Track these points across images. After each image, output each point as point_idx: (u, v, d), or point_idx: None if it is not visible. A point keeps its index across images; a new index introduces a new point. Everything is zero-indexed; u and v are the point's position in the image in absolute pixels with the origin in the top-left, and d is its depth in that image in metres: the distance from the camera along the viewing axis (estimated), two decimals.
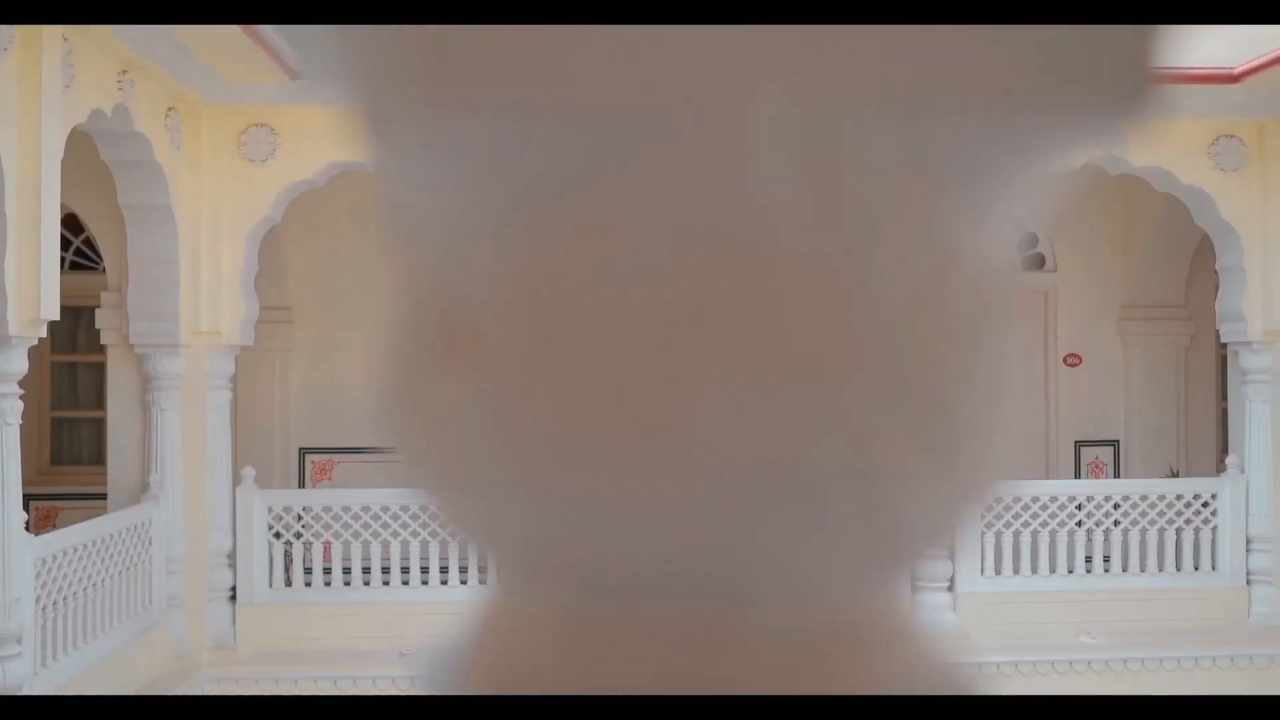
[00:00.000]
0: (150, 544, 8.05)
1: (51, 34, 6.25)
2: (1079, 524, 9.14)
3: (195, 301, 8.41)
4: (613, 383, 0.45)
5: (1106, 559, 9.38)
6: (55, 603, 6.76)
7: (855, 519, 0.45)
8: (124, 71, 7.18)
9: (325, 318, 11.41)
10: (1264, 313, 9.09)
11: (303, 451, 11.27)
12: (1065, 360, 11.85)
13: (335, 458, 11.27)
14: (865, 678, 0.49)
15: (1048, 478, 11.60)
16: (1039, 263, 11.91)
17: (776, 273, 0.45)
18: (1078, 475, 11.74)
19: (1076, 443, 11.81)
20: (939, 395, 0.46)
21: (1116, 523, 9.19)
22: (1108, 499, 9.19)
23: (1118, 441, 11.76)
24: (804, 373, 0.45)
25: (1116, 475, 11.70)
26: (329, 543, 9.02)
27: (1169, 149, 9.01)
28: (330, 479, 11.27)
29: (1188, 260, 11.54)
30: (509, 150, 0.45)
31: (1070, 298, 11.84)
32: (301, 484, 11.22)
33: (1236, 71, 8.39)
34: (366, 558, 8.96)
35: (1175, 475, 9.93)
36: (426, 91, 0.46)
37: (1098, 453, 11.79)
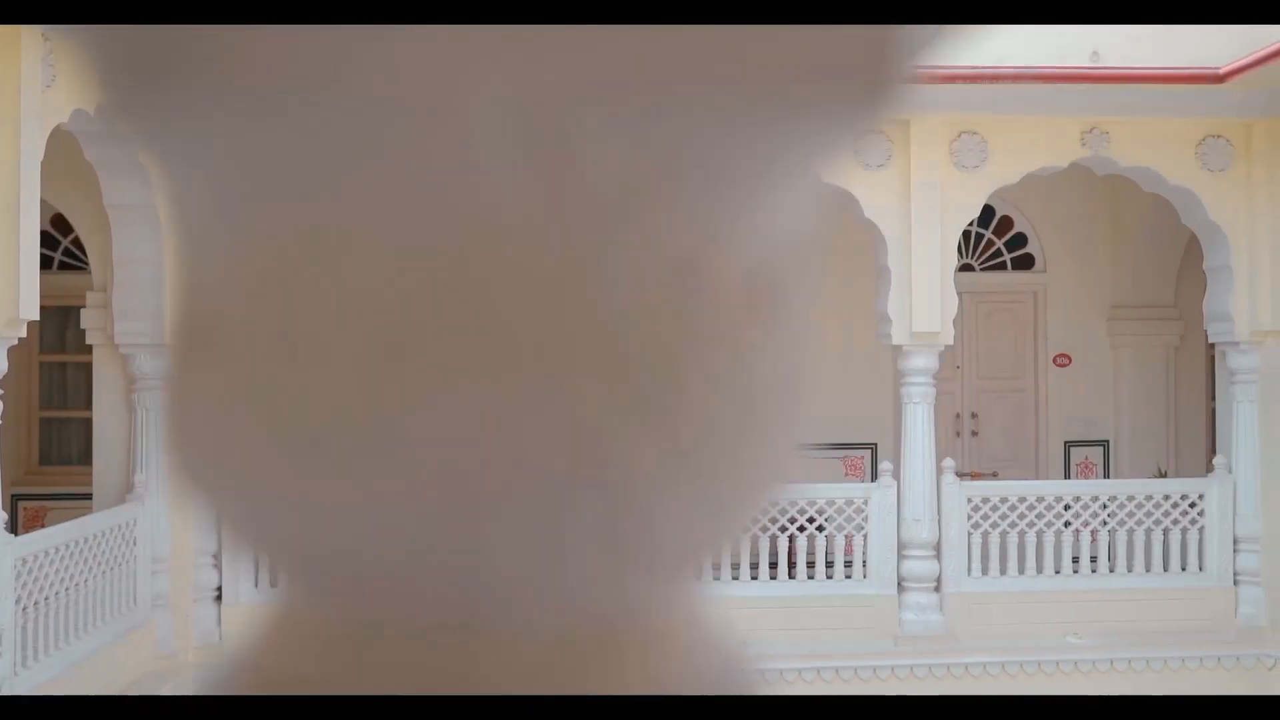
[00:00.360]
0: (135, 544, 8.04)
1: (31, 34, 6.25)
2: (1066, 524, 9.13)
3: None
4: (344, 383, 0.44)
5: (1094, 559, 9.38)
6: (36, 602, 6.75)
7: (593, 521, 0.45)
8: None
9: None
10: (1251, 313, 9.08)
11: None
12: (1055, 360, 11.85)
13: None
14: (623, 678, 0.49)
15: (1037, 478, 11.62)
16: (1029, 263, 11.92)
17: (510, 273, 0.44)
18: (1067, 475, 11.74)
19: (1066, 443, 11.81)
20: (680, 397, 0.46)
21: (1104, 523, 9.18)
22: (1095, 499, 9.18)
23: (1108, 442, 11.76)
24: (538, 373, 0.44)
25: (1106, 475, 11.71)
26: None
27: (1156, 149, 9.00)
28: None
29: (1177, 260, 11.54)
30: (247, 147, 0.45)
31: (1060, 298, 11.85)
32: None
33: (1222, 72, 8.38)
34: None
35: (1163, 475, 9.93)
36: (165, 89, 0.45)
37: (1087, 453, 11.79)
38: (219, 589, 8.68)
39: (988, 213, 11.78)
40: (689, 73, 0.45)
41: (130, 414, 8.39)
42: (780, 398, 0.51)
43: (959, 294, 11.65)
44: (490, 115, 0.43)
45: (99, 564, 7.58)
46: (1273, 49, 7.91)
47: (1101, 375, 11.85)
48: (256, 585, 8.74)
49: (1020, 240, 11.89)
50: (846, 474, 11.36)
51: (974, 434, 11.86)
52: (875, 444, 11.25)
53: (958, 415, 11.89)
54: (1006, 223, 11.86)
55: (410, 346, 0.44)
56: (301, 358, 0.45)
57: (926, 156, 8.85)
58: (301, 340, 0.45)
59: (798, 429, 0.54)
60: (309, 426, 0.45)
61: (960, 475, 11.28)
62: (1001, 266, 11.88)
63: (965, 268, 11.79)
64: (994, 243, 11.86)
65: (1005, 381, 11.95)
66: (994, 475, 11.39)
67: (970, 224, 11.70)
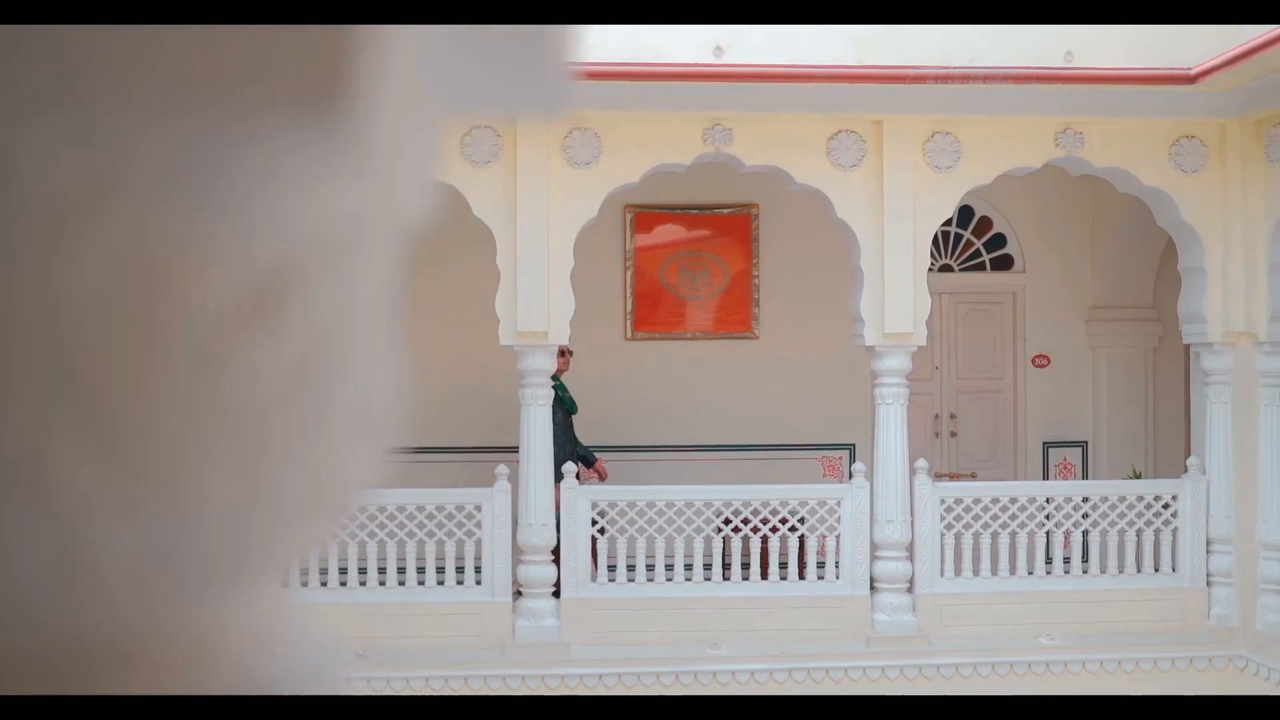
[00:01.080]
0: None
1: None
2: (1045, 525, 9.12)
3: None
4: None
5: (1067, 560, 9.37)
6: None
7: (34, 540, 0.44)
8: None
9: None
10: (1224, 314, 9.08)
11: None
12: (1034, 361, 11.85)
13: None
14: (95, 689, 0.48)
15: (1016, 479, 11.61)
16: (1007, 264, 11.91)
17: None
18: (1046, 476, 11.74)
19: (1045, 444, 11.81)
20: (136, 413, 0.45)
21: (1076, 524, 9.18)
22: (1068, 500, 9.17)
23: (1086, 443, 11.76)
24: None
25: (1085, 476, 11.71)
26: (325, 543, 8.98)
27: (1130, 150, 8.99)
28: None
29: (1156, 261, 11.54)
30: None
31: (1038, 298, 11.84)
32: None
33: (1194, 72, 8.37)
34: (343, 558, 8.94)
35: (1138, 477, 9.92)
36: None
37: (1066, 454, 11.79)
38: None
39: (966, 213, 11.79)
40: (141, 75, 0.44)
41: None
42: (304, 405, 0.50)
43: (938, 294, 11.68)
44: None
45: None
46: (1243, 49, 7.90)
47: (1080, 376, 11.85)
48: None
49: (999, 241, 11.88)
50: (825, 474, 11.35)
51: (953, 434, 11.85)
52: (854, 444, 11.23)
53: (936, 416, 11.88)
54: (985, 223, 11.85)
55: None
56: None
57: (899, 157, 8.83)
58: None
59: (353, 432, 0.53)
60: None
61: (939, 476, 11.30)
62: (980, 267, 11.87)
63: (944, 268, 11.80)
64: (973, 243, 11.85)
65: (984, 382, 11.95)
66: (973, 476, 11.38)
67: (949, 224, 11.72)
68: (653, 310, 11.41)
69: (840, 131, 8.85)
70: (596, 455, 9.69)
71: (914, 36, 8.40)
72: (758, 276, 11.49)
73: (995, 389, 11.91)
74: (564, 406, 9.49)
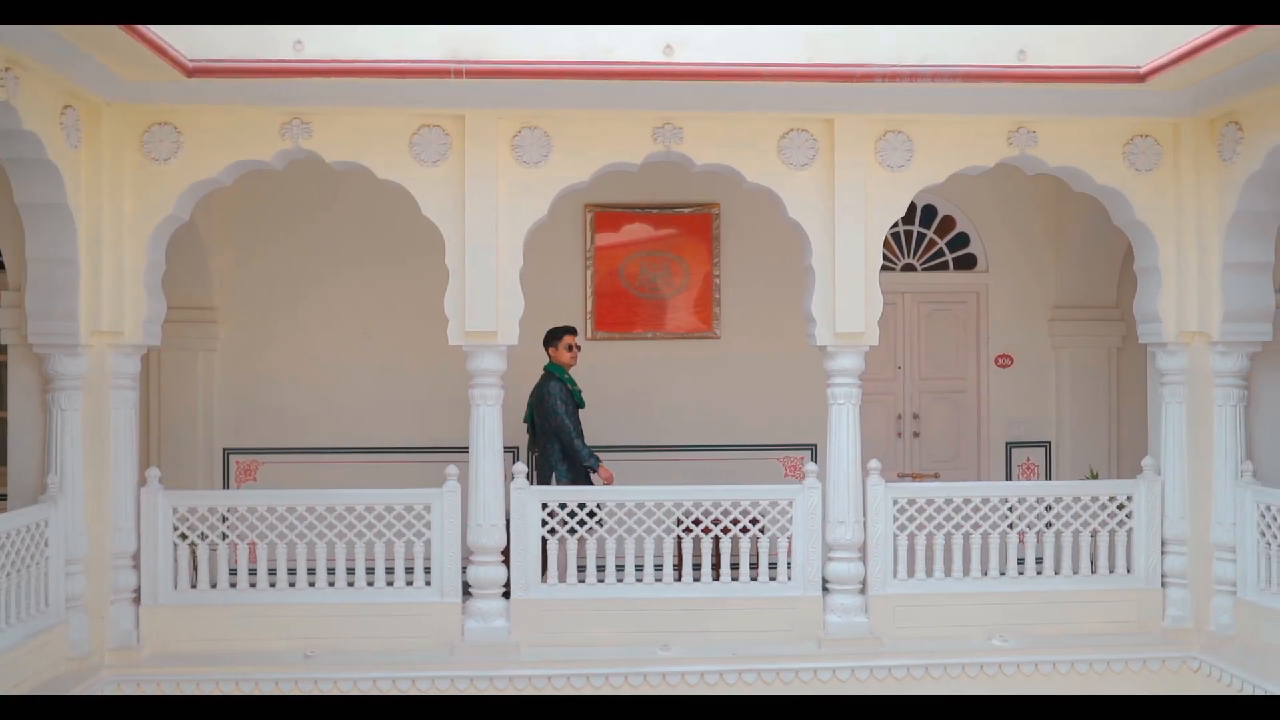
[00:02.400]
0: (46, 545, 7.98)
1: None
2: (1011, 525, 9.07)
3: (96, 301, 8.34)
4: None
5: (1021, 561, 9.33)
6: None
7: None
8: (6, 69, 7.12)
9: (250, 318, 11.36)
10: (1178, 314, 9.03)
11: (227, 452, 11.21)
12: (996, 361, 11.81)
13: (260, 458, 11.21)
14: None
15: (979, 479, 11.59)
16: (970, 263, 11.86)
17: None
18: (1009, 477, 11.70)
19: (1008, 444, 11.77)
20: None
21: (1030, 525, 9.13)
22: (1021, 501, 9.13)
23: (1049, 443, 11.72)
24: None
25: (1048, 477, 11.67)
26: (254, 544, 8.98)
27: (1084, 149, 8.94)
28: (255, 479, 11.21)
29: (1119, 261, 11.50)
30: None
31: (1002, 298, 11.81)
32: (226, 485, 11.17)
33: (1143, 71, 8.32)
34: (293, 559, 8.91)
35: (1095, 477, 9.86)
36: None
37: (1029, 454, 11.75)
38: (137, 590, 8.63)
39: (929, 212, 11.77)
40: None
41: (44, 414, 8.33)
42: None
43: (900, 294, 11.68)
44: None
45: (7, 565, 7.53)
46: (1186, 48, 7.86)
47: (1043, 376, 11.81)
48: (176, 586, 8.69)
49: (962, 240, 11.83)
50: (786, 474, 11.31)
51: (916, 435, 11.81)
52: (815, 445, 11.21)
53: (899, 416, 11.84)
54: (949, 223, 11.81)
55: None
56: None
57: (851, 156, 8.77)
58: None
59: None
60: None
61: (901, 476, 11.28)
62: (943, 267, 11.83)
63: (907, 268, 11.76)
64: (936, 242, 11.81)
65: (947, 382, 11.91)
66: (935, 476, 11.35)
67: (911, 223, 11.69)
68: (613, 310, 11.37)
69: (791, 130, 8.80)
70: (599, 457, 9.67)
71: (866, 35, 8.35)
72: (719, 276, 11.45)
73: (958, 389, 11.87)
74: (575, 401, 9.53)
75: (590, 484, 9.50)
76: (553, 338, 9.75)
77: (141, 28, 7.33)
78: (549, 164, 8.72)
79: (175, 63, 7.83)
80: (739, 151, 8.79)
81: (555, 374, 9.63)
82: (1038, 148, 8.91)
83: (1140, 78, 8.35)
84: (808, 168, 8.80)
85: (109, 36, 7.32)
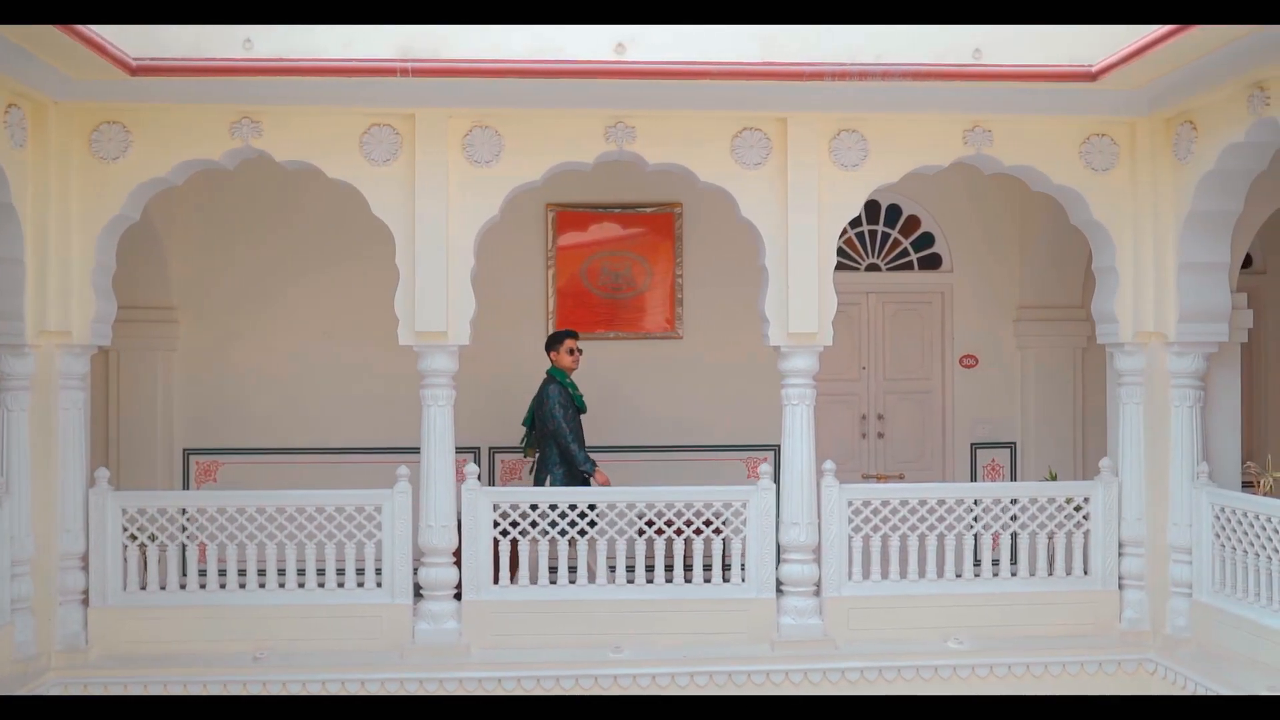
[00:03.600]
0: None
1: None
2: (952, 528, 9.02)
3: (43, 301, 8.30)
4: None
5: (978, 563, 9.28)
6: None
7: None
8: None
9: (210, 318, 11.32)
10: (1135, 314, 8.99)
11: (187, 453, 11.16)
12: (961, 361, 11.76)
13: (221, 459, 11.16)
14: None
15: (944, 480, 11.53)
16: (935, 263, 11.81)
17: None
18: (974, 477, 11.65)
19: (973, 445, 11.71)
20: None
21: (986, 527, 9.08)
22: (978, 503, 9.07)
23: (1015, 444, 11.66)
24: None
25: (1013, 477, 11.61)
26: (204, 545, 8.94)
27: (1040, 148, 8.89)
28: (215, 480, 11.16)
29: (1084, 261, 11.43)
30: None
31: (967, 298, 11.75)
32: (186, 486, 11.12)
33: (1095, 69, 8.27)
34: (244, 560, 8.86)
35: (1054, 479, 9.80)
36: None
37: (994, 455, 11.70)
38: (86, 592, 8.58)
39: (894, 212, 11.72)
40: None
41: None
42: None
43: (865, 294, 11.63)
44: None
45: None
46: (1136, 46, 7.80)
47: (1008, 376, 11.76)
48: (125, 588, 8.65)
49: (927, 240, 11.78)
50: (749, 476, 11.25)
51: (880, 435, 11.76)
52: (778, 445, 11.12)
53: (864, 416, 11.79)
54: (913, 222, 11.76)
55: None
56: None
57: (804, 155, 8.72)
58: None
59: None
60: None
61: (866, 477, 11.24)
62: (908, 266, 11.77)
63: (871, 268, 11.71)
64: (900, 242, 11.75)
65: (912, 382, 11.85)
66: (900, 477, 11.31)
67: (875, 223, 11.65)
68: (574, 310, 11.31)
69: (744, 129, 8.74)
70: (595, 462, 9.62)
71: (820, 33, 8.29)
72: (681, 276, 11.39)
73: (923, 390, 11.81)
74: (574, 405, 9.49)
75: (588, 484, 9.44)
76: (554, 342, 9.72)
77: (82, 27, 7.27)
78: (500, 163, 8.67)
79: (118, 62, 7.78)
80: (692, 151, 8.75)
81: (556, 378, 9.59)
82: (994, 147, 8.86)
83: (1092, 76, 8.29)
84: (761, 167, 8.76)
85: (50, 36, 7.27)
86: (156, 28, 7.95)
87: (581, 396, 9.65)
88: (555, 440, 9.44)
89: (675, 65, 8.22)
